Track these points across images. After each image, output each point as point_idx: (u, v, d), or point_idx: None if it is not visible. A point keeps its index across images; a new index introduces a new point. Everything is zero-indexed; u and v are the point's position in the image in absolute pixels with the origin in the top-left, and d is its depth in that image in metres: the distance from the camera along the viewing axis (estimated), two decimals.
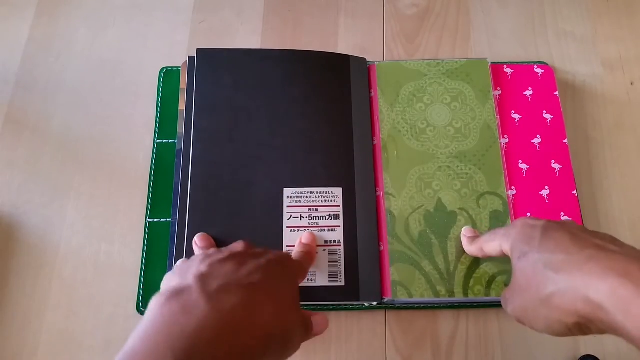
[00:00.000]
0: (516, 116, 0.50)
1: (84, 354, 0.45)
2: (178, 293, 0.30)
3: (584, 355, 0.43)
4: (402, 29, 0.57)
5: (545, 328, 0.32)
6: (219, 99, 0.48)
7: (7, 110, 0.53)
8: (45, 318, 0.45)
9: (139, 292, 0.46)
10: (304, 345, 0.45)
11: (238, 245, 0.38)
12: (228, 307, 0.30)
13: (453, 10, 0.58)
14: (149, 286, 0.46)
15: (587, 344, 0.44)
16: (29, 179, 0.50)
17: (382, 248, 0.45)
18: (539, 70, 0.52)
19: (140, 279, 0.46)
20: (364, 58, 0.51)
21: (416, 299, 0.44)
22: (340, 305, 0.45)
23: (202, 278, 0.32)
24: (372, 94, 0.51)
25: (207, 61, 0.49)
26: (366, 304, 0.44)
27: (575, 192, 0.47)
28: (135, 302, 0.45)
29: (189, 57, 0.50)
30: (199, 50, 0.50)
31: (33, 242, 0.48)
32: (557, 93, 0.51)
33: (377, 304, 0.44)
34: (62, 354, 0.44)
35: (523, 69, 0.52)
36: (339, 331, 0.45)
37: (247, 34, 0.57)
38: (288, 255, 0.38)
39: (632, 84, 0.54)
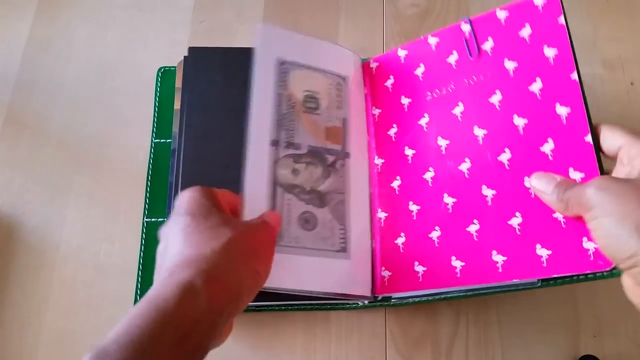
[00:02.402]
0: (510, 65, 0.42)
1: (84, 354, 0.44)
2: None
3: (584, 355, 0.43)
4: (402, 29, 0.57)
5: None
6: (210, 97, 0.48)
7: (7, 110, 0.53)
8: (45, 318, 0.45)
9: (136, 292, 0.45)
10: (304, 345, 0.45)
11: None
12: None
13: (453, 11, 0.58)
14: (146, 286, 0.46)
15: (587, 344, 0.44)
16: (29, 179, 0.50)
17: (374, 245, 0.45)
18: (540, 1, 0.42)
19: (137, 279, 0.46)
20: (357, 55, 0.51)
21: (412, 292, 0.42)
22: (337, 304, 0.45)
23: None
24: (366, 91, 0.50)
25: (199, 60, 0.49)
26: (360, 303, 0.44)
27: (589, 137, 0.37)
28: (133, 302, 0.45)
29: (184, 56, 0.50)
30: (190, 49, 0.50)
31: (33, 242, 0.48)
32: (561, 19, 0.40)
33: (369, 302, 0.44)
34: (62, 354, 0.44)
35: (519, 6, 0.43)
36: (339, 331, 0.45)
37: (247, 34, 0.57)
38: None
39: (632, 84, 0.54)
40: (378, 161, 0.46)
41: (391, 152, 0.46)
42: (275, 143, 0.43)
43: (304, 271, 0.42)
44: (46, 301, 0.46)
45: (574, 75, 0.39)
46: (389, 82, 0.48)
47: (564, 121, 0.39)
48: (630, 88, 0.54)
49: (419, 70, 0.46)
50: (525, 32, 0.42)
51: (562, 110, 0.39)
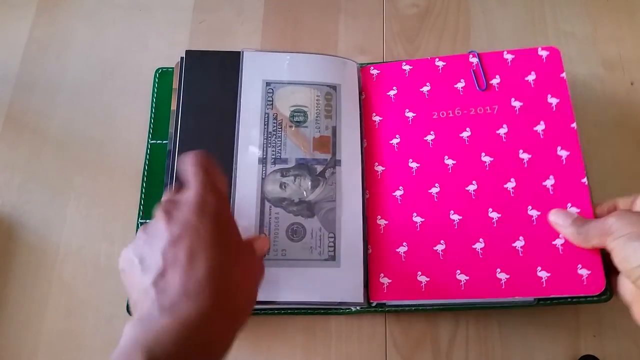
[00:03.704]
0: (516, 104, 0.47)
1: (84, 354, 0.44)
2: None
3: (584, 355, 0.43)
4: (402, 29, 0.57)
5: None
6: (206, 100, 0.48)
7: (7, 110, 0.53)
8: (45, 318, 0.45)
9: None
10: (304, 345, 0.45)
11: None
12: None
13: (453, 10, 0.58)
14: None
15: (587, 344, 0.44)
16: (29, 179, 0.50)
17: (370, 251, 0.45)
18: (544, 53, 0.48)
19: None
20: (354, 62, 0.51)
21: (408, 301, 0.43)
22: (330, 310, 0.44)
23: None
24: (364, 97, 0.50)
25: (196, 63, 0.49)
26: (353, 308, 0.44)
27: (585, 180, 0.44)
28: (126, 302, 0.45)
29: (181, 57, 0.50)
30: (187, 52, 0.50)
31: (33, 242, 0.48)
32: (564, 75, 0.47)
33: (363, 308, 0.44)
34: (62, 354, 0.44)
35: (525, 53, 0.49)
36: (339, 331, 0.45)
37: (247, 34, 0.57)
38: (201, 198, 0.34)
39: (632, 84, 0.54)
40: (378, 168, 0.47)
41: (393, 162, 0.47)
42: (262, 161, 0.46)
43: (291, 283, 0.43)
44: (46, 301, 0.46)
45: (574, 125, 0.46)
46: (392, 93, 0.49)
47: (564, 162, 0.45)
48: (630, 88, 0.54)
49: (425, 89, 0.49)
50: (531, 77, 0.48)
51: (562, 153, 0.45)
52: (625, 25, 0.57)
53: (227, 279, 0.32)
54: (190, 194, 0.34)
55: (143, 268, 0.32)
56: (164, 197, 0.37)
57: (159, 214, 0.34)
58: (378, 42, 0.57)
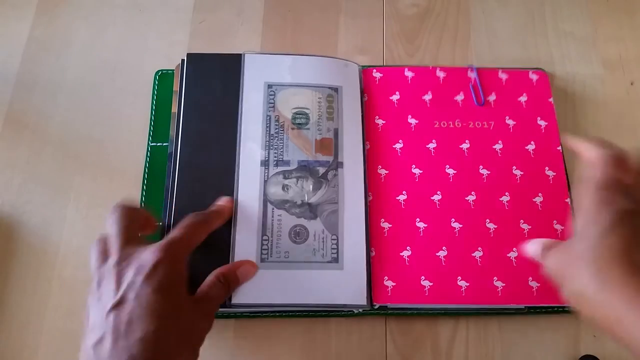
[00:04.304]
0: (510, 122, 0.50)
1: None
2: None
3: (584, 355, 0.43)
4: (402, 29, 0.57)
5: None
6: (207, 103, 0.48)
7: (7, 110, 0.53)
8: (45, 318, 0.45)
9: None
10: (304, 345, 0.45)
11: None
12: None
13: (453, 11, 0.58)
14: None
15: (587, 344, 0.44)
16: (29, 179, 0.50)
17: (373, 254, 0.45)
18: (534, 76, 0.52)
19: None
20: (355, 64, 0.51)
21: (411, 304, 0.44)
22: (333, 312, 0.44)
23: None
24: (367, 98, 0.50)
25: (196, 66, 0.49)
26: (355, 311, 0.44)
27: (568, 200, 0.47)
28: None
29: (182, 59, 0.50)
30: (188, 55, 0.50)
31: (33, 242, 0.48)
32: (551, 100, 0.51)
33: (365, 310, 0.44)
34: (62, 354, 0.44)
35: (518, 74, 0.52)
36: (339, 331, 0.45)
37: (247, 34, 0.57)
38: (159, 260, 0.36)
39: (632, 84, 0.54)
40: (382, 171, 0.47)
41: (397, 166, 0.48)
42: (264, 163, 0.46)
43: (294, 285, 0.43)
44: (46, 301, 0.46)
45: (559, 148, 0.49)
46: (395, 97, 0.50)
47: (551, 182, 0.48)
48: (630, 88, 0.54)
49: (427, 97, 0.51)
50: (523, 99, 0.51)
51: (549, 173, 0.48)
52: (625, 25, 0.57)
53: (161, 348, 0.33)
54: (148, 256, 0.36)
55: (89, 329, 0.35)
56: (122, 241, 0.37)
57: (114, 265, 0.36)
58: (378, 43, 0.57)
